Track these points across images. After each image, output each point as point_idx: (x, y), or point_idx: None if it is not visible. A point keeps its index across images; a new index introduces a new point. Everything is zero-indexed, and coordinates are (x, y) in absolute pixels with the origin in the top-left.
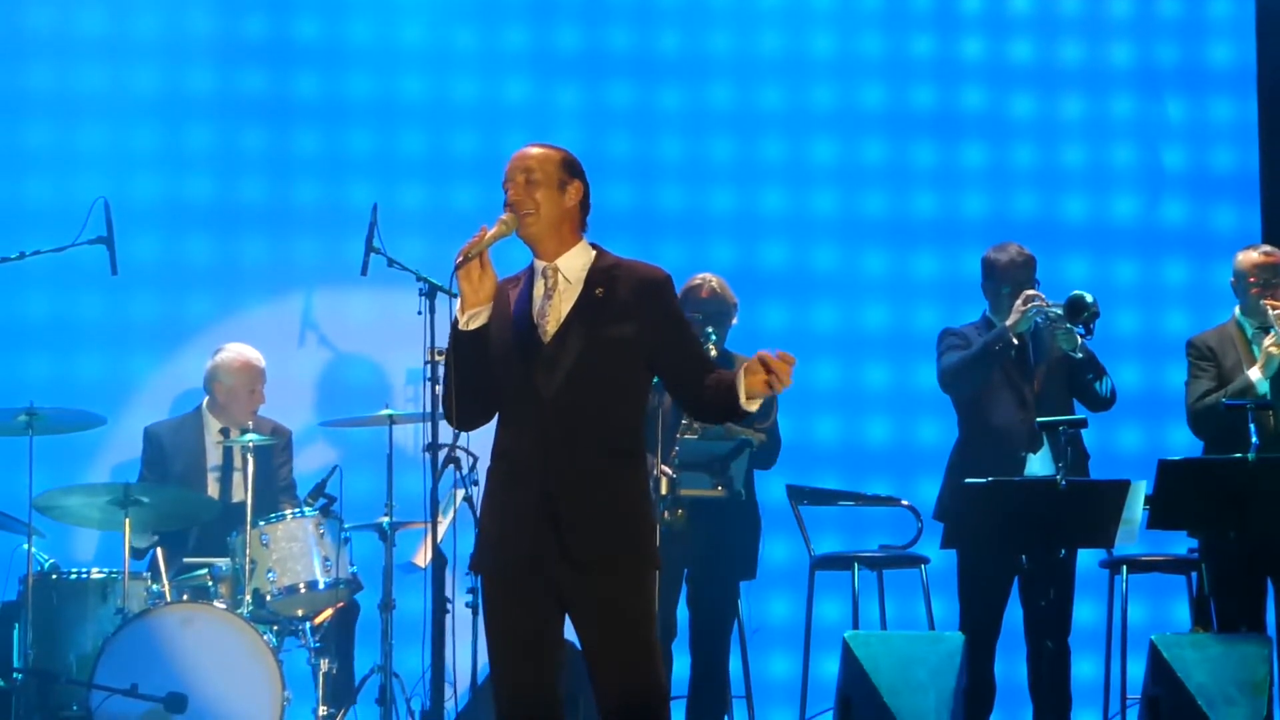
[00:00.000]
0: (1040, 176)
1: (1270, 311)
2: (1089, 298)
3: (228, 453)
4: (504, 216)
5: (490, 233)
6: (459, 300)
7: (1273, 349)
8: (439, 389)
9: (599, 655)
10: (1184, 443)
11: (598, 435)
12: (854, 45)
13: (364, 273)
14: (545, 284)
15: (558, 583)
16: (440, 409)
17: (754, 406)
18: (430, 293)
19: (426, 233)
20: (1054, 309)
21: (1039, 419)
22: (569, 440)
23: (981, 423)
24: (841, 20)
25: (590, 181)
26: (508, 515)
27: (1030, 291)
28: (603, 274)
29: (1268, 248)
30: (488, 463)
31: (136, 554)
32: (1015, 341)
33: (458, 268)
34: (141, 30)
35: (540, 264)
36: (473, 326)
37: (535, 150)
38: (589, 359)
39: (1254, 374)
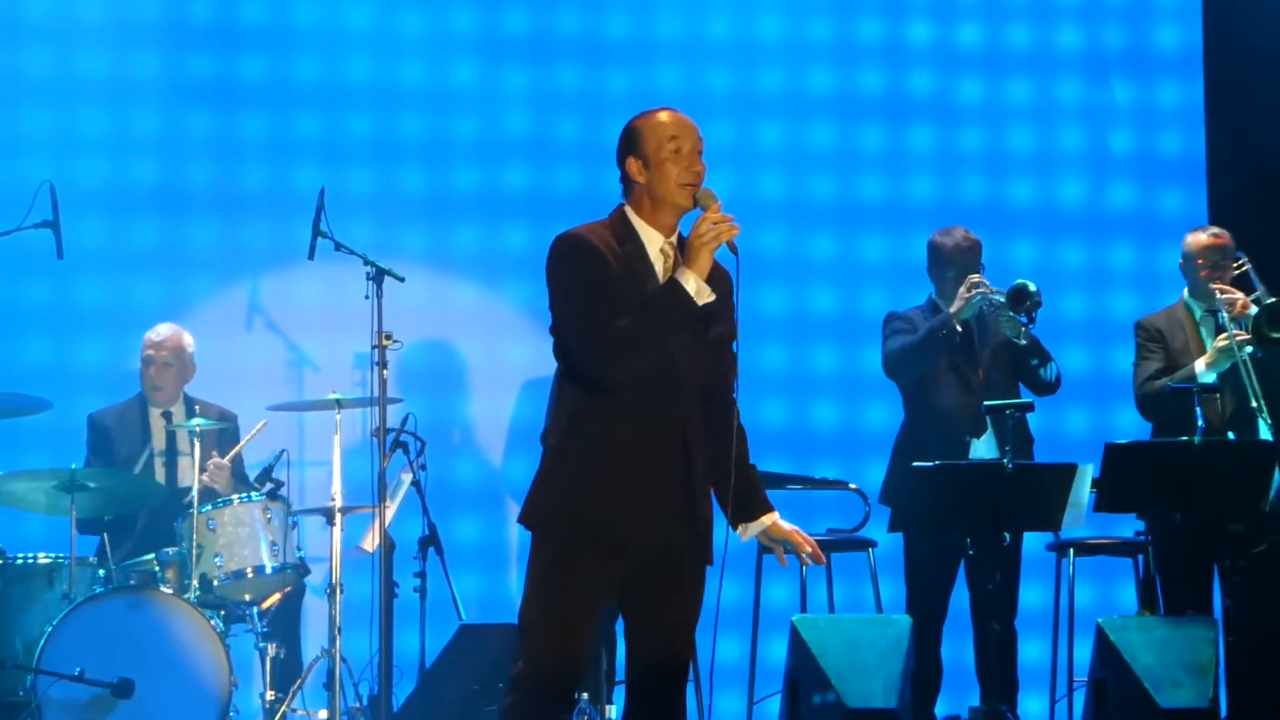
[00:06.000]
0: (987, 160)
1: (1218, 295)
2: (1032, 287)
3: (172, 437)
4: (706, 189)
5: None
6: (692, 266)
7: (1222, 342)
8: (386, 373)
9: (659, 630)
10: (1131, 426)
11: (702, 425)
12: (802, 29)
13: (311, 257)
14: (665, 261)
15: (651, 561)
16: (378, 392)
17: (745, 538)
18: (377, 277)
19: (374, 216)
20: (997, 295)
21: (985, 403)
22: (696, 432)
23: (927, 407)
24: (789, 4)
25: (538, 164)
26: (638, 493)
27: (974, 278)
28: None
29: (1216, 229)
30: (566, 425)
31: (86, 527)
32: (959, 328)
33: (709, 241)
34: (87, 14)
35: (654, 234)
36: (704, 300)
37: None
38: (710, 350)
39: (1199, 365)
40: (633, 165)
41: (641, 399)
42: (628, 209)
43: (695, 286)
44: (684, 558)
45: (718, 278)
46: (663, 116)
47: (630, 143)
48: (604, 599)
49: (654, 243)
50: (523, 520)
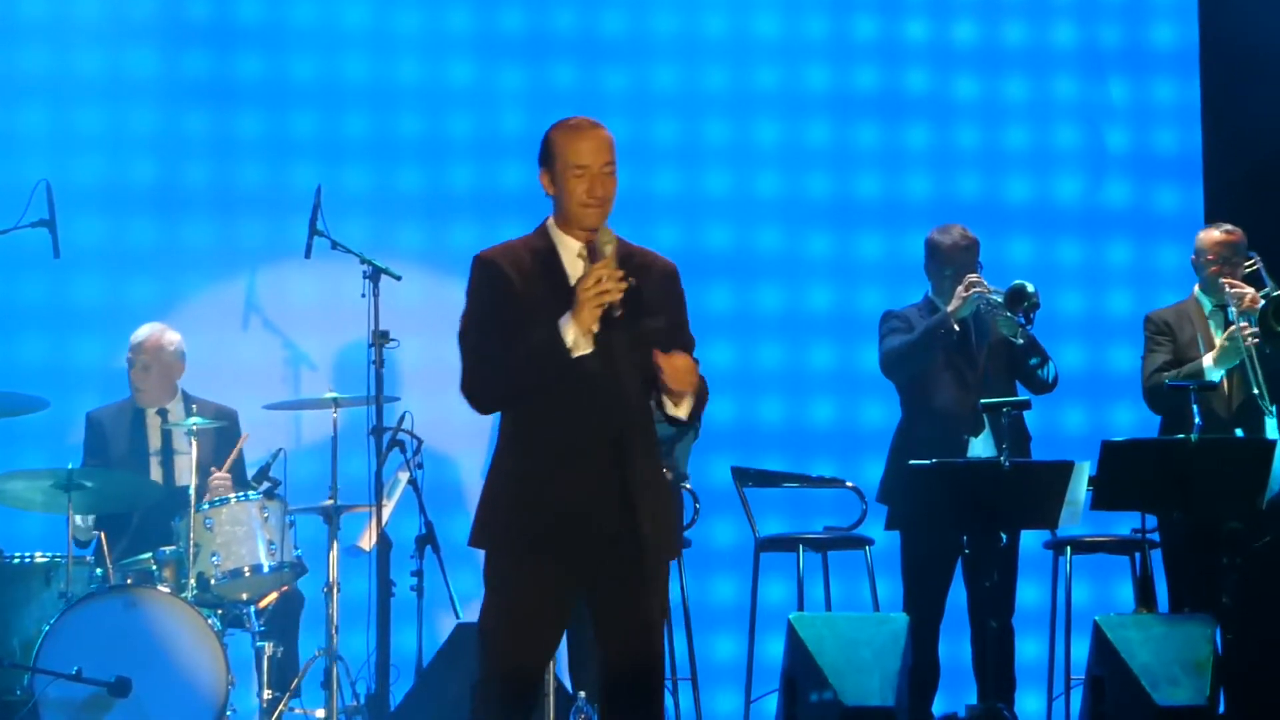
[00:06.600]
0: (984, 158)
1: (1227, 289)
2: (1030, 288)
3: (169, 436)
4: (605, 231)
5: (610, 256)
6: (575, 319)
7: (1229, 335)
8: (382, 371)
9: (624, 629)
10: (1128, 423)
11: (644, 422)
12: (798, 27)
13: (307, 255)
14: (583, 265)
15: (604, 561)
16: (374, 391)
17: (683, 412)
18: (374, 275)
19: (370, 215)
20: (995, 295)
21: (982, 400)
22: (630, 424)
23: (924, 405)
24: (785, 2)
25: (534, 163)
26: (574, 493)
27: (972, 277)
28: (627, 261)
29: (1229, 226)
30: (497, 436)
31: (80, 544)
32: (956, 328)
33: (591, 298)
34: (84, 12)
35: (571, 241)
36: (580, 352)
37: (608, 135)
38: (635, 348)
39: (1207, 360)
40: (544, 178)
41: (570, 403)
42: (550, 219)
43: (573, 339)
44: (634, 555)
45: (659, 273)
46: (574, 131)
47: (543, 155)
48: (559, 602)
49: (571, 250)
50: (471, 543)
